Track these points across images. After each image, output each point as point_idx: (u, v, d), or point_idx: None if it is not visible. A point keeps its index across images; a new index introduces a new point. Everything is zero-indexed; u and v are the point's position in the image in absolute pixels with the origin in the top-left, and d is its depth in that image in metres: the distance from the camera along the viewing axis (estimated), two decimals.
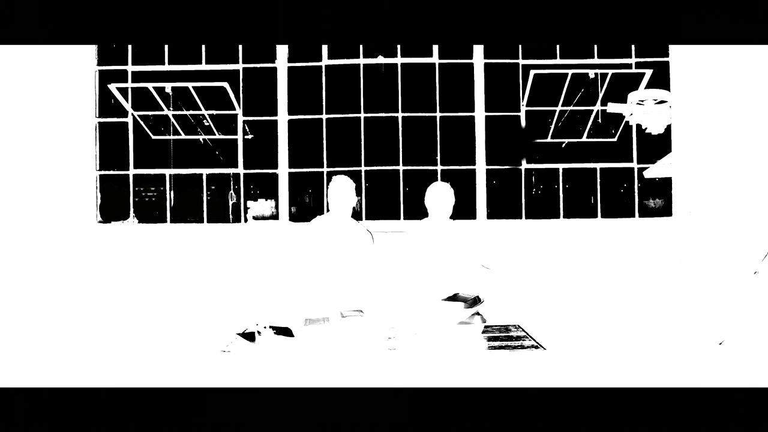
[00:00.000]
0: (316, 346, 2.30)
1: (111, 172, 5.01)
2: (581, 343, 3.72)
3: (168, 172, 5.06)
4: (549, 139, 5.00)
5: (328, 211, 3.24)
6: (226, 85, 4.66)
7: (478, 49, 4.97)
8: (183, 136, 4.99)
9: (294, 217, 5.03)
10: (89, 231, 4.75)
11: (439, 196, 3.14)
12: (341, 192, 3.08)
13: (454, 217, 3.40)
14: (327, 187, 4.69)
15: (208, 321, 4.55)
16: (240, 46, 4.98)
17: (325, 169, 5.04)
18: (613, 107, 4.76)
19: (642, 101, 4.74)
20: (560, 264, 4.57)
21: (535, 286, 4.44)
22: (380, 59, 4.98)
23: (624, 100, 4.88)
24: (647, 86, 4.75)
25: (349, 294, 3.08)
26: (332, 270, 3.08)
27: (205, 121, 4.91)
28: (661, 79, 4.98)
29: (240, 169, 5.02)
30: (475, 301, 2.54)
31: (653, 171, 4.70)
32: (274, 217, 5.06)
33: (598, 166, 5.02)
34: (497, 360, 2.20)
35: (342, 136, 5.06)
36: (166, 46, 5.01)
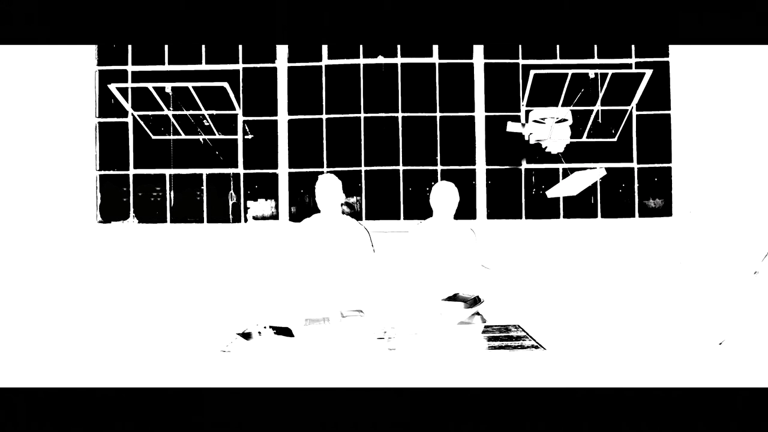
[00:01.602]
0: (316, 346, 2.30)
1: (111, 172, 5.01)
2: (581, 343, 3.72)
3: (168, 172, 5.06)
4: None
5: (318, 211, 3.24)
6: (226, 85, 4.66)
7: (478, 49, 4.97)
8: (183, 136, 4.99)
9: (294, 217, 5.03)
10: (89, 231, 4.75)
11: (445, 195, 3.15)
12: (328, 190, 3.08)
13: (454, 217, 3.40)
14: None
15: (208, 321, 4.55)
16: (240, 46, 4.98)
17: (325, 169, 5.04)
18: (512, 126, 4.79)
19: (542, 119, 4.75)
20: (560, 264, 4.57)
21: (535, 286, 4.44)
22: (380, 59, 4.98)
23: (625, 100, 4.88)
24: (647, 86, 4.75)
25: (350, 291, 3.08)
26: (330, 268, 3.08)
27: (205, 121, 4.91)
28: (661, 79, 4.98)
29: (240, 169, 5.02)
30: (475, 301, 2.54)
31: (555, 191, 4.74)
32: (274, 217, 5.07)
33: (599, 166, 5.01)
34: (497, 360, 2.20)
35: (342, 136, 5.06)
36: (166, 46, 5.01)
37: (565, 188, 4.64)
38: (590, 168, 4.80)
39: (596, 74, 4.70)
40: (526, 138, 4.91)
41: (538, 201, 5.11)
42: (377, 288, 3.45)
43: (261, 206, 5.20)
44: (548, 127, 4.78)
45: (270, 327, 2.40)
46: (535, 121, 4.85)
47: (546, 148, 4.87)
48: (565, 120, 4.79)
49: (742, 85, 4.73)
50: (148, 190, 5.20)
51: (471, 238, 3.24)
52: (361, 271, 3.12)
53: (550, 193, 4.77)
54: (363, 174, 5.02)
